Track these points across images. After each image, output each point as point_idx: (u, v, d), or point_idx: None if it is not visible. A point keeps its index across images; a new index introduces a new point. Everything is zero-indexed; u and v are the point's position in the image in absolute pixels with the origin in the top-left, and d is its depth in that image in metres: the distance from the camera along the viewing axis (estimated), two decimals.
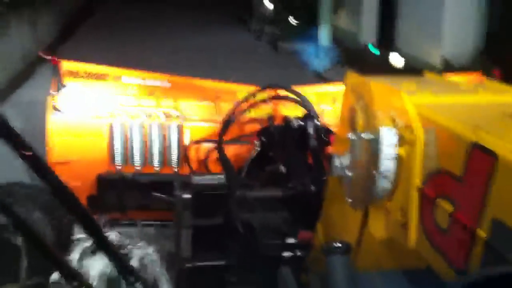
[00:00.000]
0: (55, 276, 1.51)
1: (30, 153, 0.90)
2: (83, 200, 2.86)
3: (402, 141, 1.48)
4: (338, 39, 9.90)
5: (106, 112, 3.00)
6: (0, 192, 0.99)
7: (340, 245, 1.58)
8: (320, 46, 9.66)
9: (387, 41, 8.32)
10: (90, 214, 0.96)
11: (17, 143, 0.87)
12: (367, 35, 8.96)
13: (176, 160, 3.09)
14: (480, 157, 1.19)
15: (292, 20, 11.40)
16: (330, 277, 1.49)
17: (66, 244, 1.60)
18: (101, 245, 0.95)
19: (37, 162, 0.90)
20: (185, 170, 3.09)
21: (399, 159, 1.49)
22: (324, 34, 9.97)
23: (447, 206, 1.30)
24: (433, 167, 1.38)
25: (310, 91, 3.03)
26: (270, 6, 12.59)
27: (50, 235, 1.42)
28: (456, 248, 1.28)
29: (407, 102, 1.46)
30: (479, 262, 1.19)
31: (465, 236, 1.23)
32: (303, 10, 11.20)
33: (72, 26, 11.89)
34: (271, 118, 3.01)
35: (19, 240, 1.39)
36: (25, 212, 1.24)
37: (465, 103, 1.54)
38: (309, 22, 10.57)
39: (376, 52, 8.50)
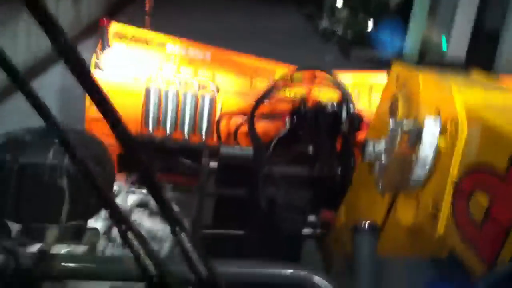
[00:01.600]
0: (93, 221, 1.57)
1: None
2: (114, 158, 2.93)
3: (444, 133, 1.51)
4: (421, 51, 8.50)
5: (145, 76, 3.06)
6: (60, 131, 1.03)
7: (368, 225, 1.61)
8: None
9: (478, 60, 7.46)
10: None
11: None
12: (456, 50, 7.80)
13: (205, 129, 3.15)
14: None
15: (370, 24, 9.81)
16: (357, 257, 1.53)
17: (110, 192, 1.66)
18: (155, 193, 0.99)
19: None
20: (214, 141, 3.14)
21: (438, 150, 1.52)
22: (411, 44, 8.14)
23: (483, 201, 1.33)
24: (473, 162, 1.41)
25: (348, 77, 3.05)
26: (342, 5, 10.94)
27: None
28: (488, 242, 1.31)
29: (456, 95, 1.49)
30: (510, 259, 1.22)
31: (499, 232, 1.26)
32: (386, 14, 9.54)
33: None
34: (304, 99, 3.04)
35: (64, 182, 1.45)
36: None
37: None
38: (391, 28, 8.92)
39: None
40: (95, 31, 3.21)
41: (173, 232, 1.00)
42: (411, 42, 7.77)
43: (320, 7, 12.25)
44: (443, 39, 8.43)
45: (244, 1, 13.39)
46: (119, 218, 1.03)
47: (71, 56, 0.84)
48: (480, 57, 7.36)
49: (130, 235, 0.93)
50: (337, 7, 10.93)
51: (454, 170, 1.46)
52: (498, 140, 1.33)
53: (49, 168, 1.45)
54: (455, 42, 7.89)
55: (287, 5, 13.78)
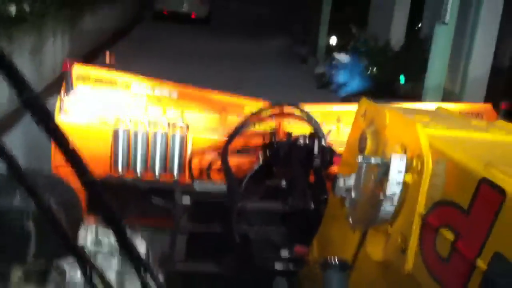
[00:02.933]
0: (60, 261, 1.54)
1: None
2: (84, 204, 2.89)
3: (410, 169, 1.54)
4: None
5: (112, 118, 3.04)
6: (25, 176, 1.03)
7: (338, 261, 1.62)
8: None
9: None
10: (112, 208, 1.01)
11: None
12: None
13: (177, 168, 3.14)
14: (488, 192, 1.25)
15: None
16: None
17: (76, 236, 1.65)
18: (118, 234, 0.99)
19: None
20: (186, 180, 3.13)
21: (405, 186, 1.55)
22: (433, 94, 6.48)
23: (449, 236, 1.36)
24: (439, 197, 1.44)
25: (315, 110, 3.09)
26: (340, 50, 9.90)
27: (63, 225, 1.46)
28: (454, 276, 1.33)
29: (420, 132, 1.53)
30: None
31: (464, 266, 1.29)
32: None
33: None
34: (274, 133, 3.07)
35: (30, 225, 1.43)
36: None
37: (477, 139, 1.61)
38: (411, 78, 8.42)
39: None
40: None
41: (137, 272, 0.99)
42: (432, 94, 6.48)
43: (312, 46, 11.83)
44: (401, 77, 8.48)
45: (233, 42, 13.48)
46: (83, 262, 1.02)
47: (35, 105, 0.85)
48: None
49: (95, 278, 0.93)
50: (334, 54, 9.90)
51: (421, 206, 1.49)
52: (462, 175, 1.37)
53: (15, 212, 1.44)
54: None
55: (274, 45, 13.84)
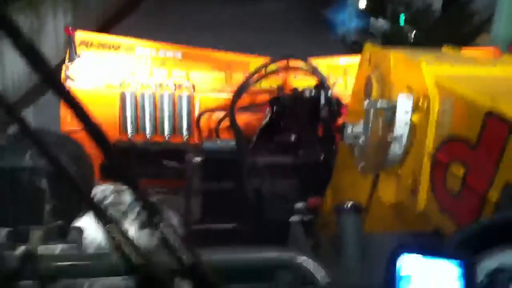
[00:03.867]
0: (78, 221, 1.57)
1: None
2: (95, 169, 2.93)
3: (417, 108, 1.54)
4: None
5: (118, 82, 3.04)
6: (33, 135, 1.04)
7: (351, 204, 1.64)
8: None
9: None
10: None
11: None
12: None
13: (186, 129, 3.15)
14: (495, 125, 1.25)
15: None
16: (342, 236, 1.55)
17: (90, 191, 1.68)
18: (136, 191, 1.00)
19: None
20: (195, 139, 3.15)
21: (413, 126, 1.55)
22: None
23: (459, 171, 1.37)
24: (447, 134, 1.44)
25: (322, 63, 3.07)
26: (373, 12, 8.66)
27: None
28: (466, 210, 1.34)
29: (425, 71, 1.52)
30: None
31: (476, 199, 1.30)
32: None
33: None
34: (281, 88, 3.06)
35: (44, 183, 1.46)
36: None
37: (482, 75, 1.60)
38: None
39: None
40: None
41: (152, 223, 1.01)
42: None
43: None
44: (401, 16, 7.99)
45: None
46: (100, 215, 1.04)
47: (45, 70, 0.86)
48: None
49: (113, 231, 0.94)
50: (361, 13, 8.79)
51: (430, 144, 1.49)
52: (469, 109, 1.36)
53: (27, 171, 1.46)
54: None
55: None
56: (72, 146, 1.67)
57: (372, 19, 8.77)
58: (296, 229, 2.00)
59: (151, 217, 1.00)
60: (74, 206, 1.53)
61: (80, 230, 1.52)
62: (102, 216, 0.97)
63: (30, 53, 0.84)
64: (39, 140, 1.03)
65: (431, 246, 1.06)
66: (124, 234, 0.90)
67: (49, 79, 0.88)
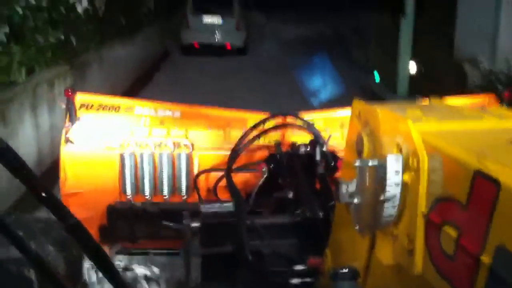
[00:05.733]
0: None
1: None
2: (95, 231, 2.89)
3: (407, 167, 1.50)
4: None
5: (118, 143, 3.06)
6: (14, 225, 1.02)
7: (347, 270, 1.59)
8: None
9: None
10: (103, 250, 1.00)
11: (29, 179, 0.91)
12: None
13: (185, 188, 3.13)
14: (484, 184, 1.21)
15: None
16: None
17: (77, 278, 1.63)
18: (112, 279, 0.97)
19: (50, 199, 0.93)
20: (194, 199, 3.12)
21: (404, 186, 1.52)
22: None
23: (452, 233, 1.32)
24: (438, 194, 1.40)
25: (318, 117, 3.07)
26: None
27: (62, 269, 1.45)
28: (461, 274, 1.29)
29: (412, 129, 1.49)
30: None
31: (470, 262, 1.24)
32: None
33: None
34: (278, 144, 3.05)
35: (32, 274, 1.42)
36: (37, 245, 1.27)
37: (469, 129, 1.56)
38: None
39: None
40: None
41: None
42: None
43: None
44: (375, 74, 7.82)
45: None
46: None
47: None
48: None
49: None
50: None
51: (422, 204, 1.45)
52: (457, 169, 1.33)
53: (15, 262, 1.43)
54: None
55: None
56: (58, 231, 1.64)
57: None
58: None
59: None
60: None
61: None
62: None
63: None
64: (14, 234, 1.01)
65: None
66: None
67: None
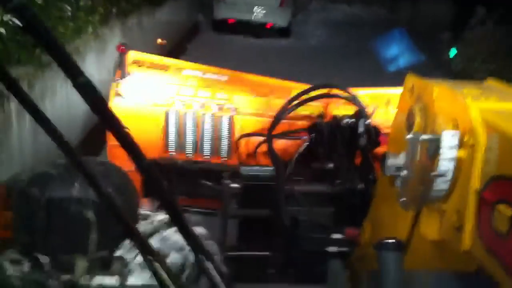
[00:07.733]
0: (120, 251, 1.59)
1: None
2: (137, 184, 2.97)
3: (462, 144, 1.50)
4: None
5: (164, 101, 3.10)
6: (84, 164, 1.06)
7: (393, 241, 1.61)
8: None
9: None
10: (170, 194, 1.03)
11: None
12: None
13: (225, 150, 3.17)
14: None
15: None
16: (382, 273, 1.52)
17: (135, 222, 1.68)
18: (178, 221, 1.01)
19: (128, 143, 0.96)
20: (234, 161, 3.16)
21: (458, 162, 1.52)
22: None
23: (507, 211, 1.32)
24: (494, 172, 1.40)
25: (363, 93, 3.05)
26: None
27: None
28: None
29: (471, 106, 1.48)
30: None
31: None
32: None
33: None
34: (321, 115, 3.05)
35: (91, 215, 1.48)
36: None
37: None
38: None
39: None
40: None
41: (197, 259, 1.01)
42: None
43: None
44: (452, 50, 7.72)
45: None
46: (143, 247, 1.05)
47: (89, 93, 0.88)
48: None
49: (155, 262, 0.95)
50: None
51: (476, 182, 1.45)
52: None
53: (75, 201, 1.49)
54: None
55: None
56: (118, 175, 1.69)
57: None
58: (335, 265, 1.98)
59: (195, 253, 1.00)
60: (120, 237, 1.55)
61: (123, 261, 1.53)
62: (146, 249, 0.98)
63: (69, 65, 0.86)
64: (88, 172, 1.05)
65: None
66: (167, 267, 0.91)
67: (93, 103, 0.90)
